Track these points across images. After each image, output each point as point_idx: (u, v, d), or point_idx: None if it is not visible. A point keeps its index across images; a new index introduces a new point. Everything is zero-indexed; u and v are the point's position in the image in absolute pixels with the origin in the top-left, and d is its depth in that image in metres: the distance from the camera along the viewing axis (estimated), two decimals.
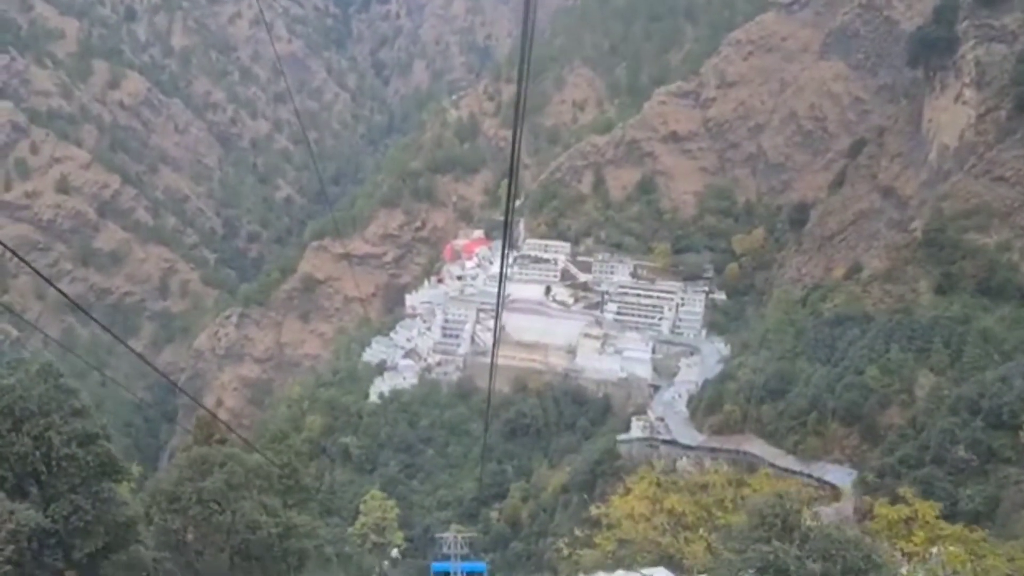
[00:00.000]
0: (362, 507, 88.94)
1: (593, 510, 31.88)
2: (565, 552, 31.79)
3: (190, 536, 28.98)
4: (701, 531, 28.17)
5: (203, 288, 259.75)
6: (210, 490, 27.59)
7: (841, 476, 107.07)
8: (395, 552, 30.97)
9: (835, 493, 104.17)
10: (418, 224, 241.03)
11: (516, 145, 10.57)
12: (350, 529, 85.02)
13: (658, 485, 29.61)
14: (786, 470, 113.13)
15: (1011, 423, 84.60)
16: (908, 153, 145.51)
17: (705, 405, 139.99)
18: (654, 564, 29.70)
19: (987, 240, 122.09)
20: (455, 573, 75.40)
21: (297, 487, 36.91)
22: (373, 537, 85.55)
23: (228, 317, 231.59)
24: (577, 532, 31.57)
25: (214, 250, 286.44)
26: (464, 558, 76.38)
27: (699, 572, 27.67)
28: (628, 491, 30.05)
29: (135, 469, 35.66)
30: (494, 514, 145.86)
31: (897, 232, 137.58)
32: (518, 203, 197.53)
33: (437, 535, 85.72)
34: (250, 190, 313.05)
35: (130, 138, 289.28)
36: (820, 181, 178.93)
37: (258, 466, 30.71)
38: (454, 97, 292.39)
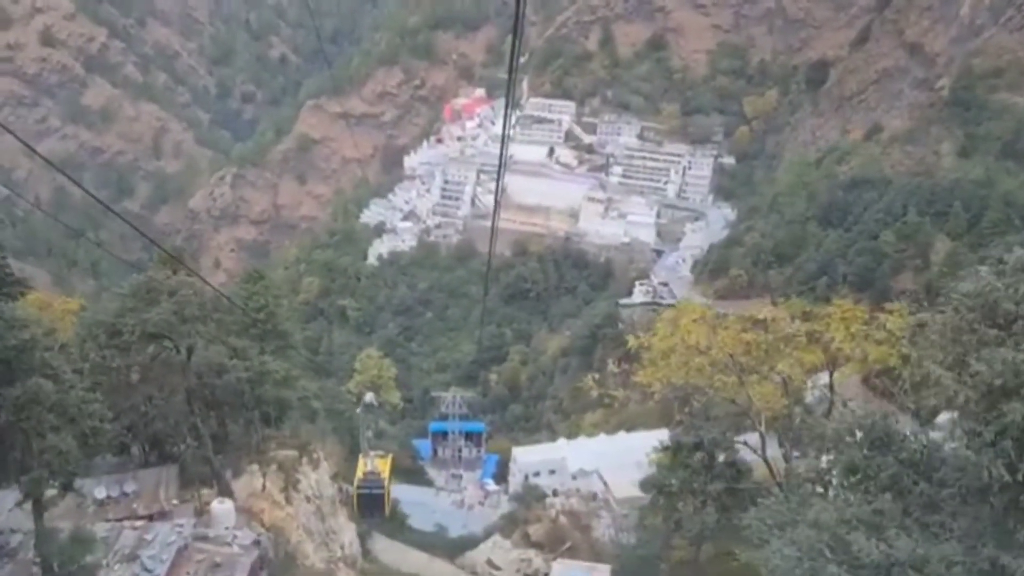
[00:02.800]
0: (357, 365, 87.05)
1: (632, 340, 28.23)
2: (594, 392, 28.70)
3: (135, 376, 25.75)
4: (769, 369, 24.82)
5: (197, 148, 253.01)
6: (156, 322, 23.91)
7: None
8: (369, 397, 27.71)
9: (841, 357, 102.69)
10: (417, 83, 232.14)
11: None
12: (344, 387, 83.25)
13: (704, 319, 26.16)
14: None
15: None
16: (939, 6, 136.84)
17: (710, 270, 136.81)
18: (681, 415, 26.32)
19: (1017, 99, 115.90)
20: (453, 433, 74.31)
21: (275, 332, 33.61)
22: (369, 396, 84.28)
23: (223, 178, 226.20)
24: (612, 367, 28.31)
25: (207, 110, 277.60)
26: (463, 418, 74.95)
27: (770, 416, 24.56)
28: (672, 322, 26.49)
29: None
30: (493, 377, 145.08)
31: (922, 91, 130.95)
32: (522, 60, 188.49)
33: (435, 394, 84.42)
34: (243, 47, 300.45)
35: None
36: (841, 38, 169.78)
37: (218, 299, 27.15)
38: None
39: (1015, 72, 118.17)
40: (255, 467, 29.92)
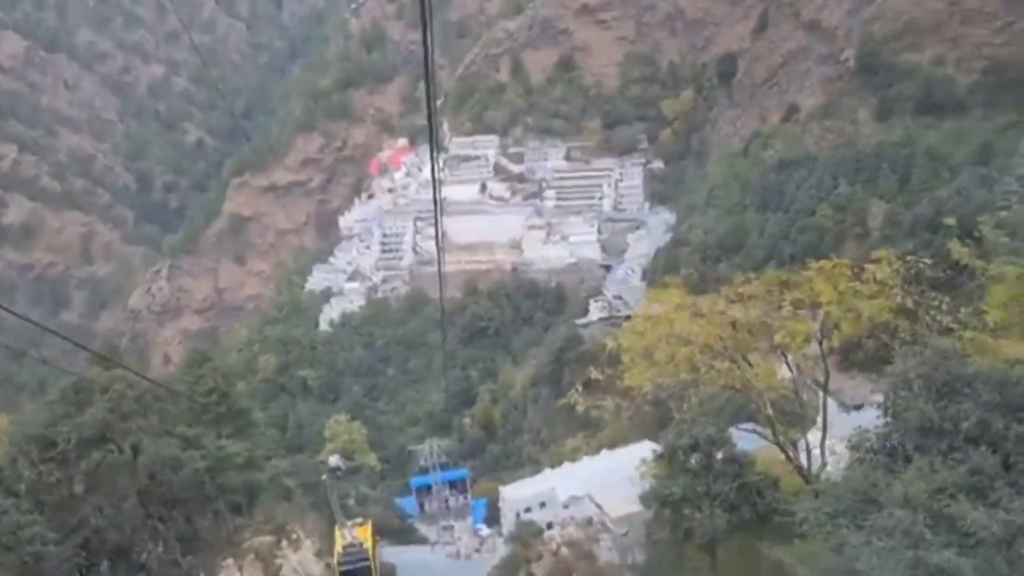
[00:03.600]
0: (327, 433, 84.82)
1: (609, 342, 27.05)
2: (580, 407, 26.95)
3: (79, 488, 23.77)
4: (768, 347, 23.64)
5: (126, 247, 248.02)
6: (91, 424, 22.19)
7: None
8: (333, 460, 25.82)
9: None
10: (339, 144, 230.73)
11: (429, 41, 9.55)
12: (318, 459, 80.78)
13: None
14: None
15: (973, 235, 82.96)
16: None
17: (661, 273, 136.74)
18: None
19: (921, 57, 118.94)
20: (437, 484, 72.28)
21: (231, 413, 31.80)
22: (345, 462, 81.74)
23: (158, 272, 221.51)
24: (595, 373, 26.46)
25: (131, 207, 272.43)
26: (443, 468, 73.01)
27: (771, 393, 23.33)
28: (650, 316, 25.22)
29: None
30: (466, 421, 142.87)
31: (829, 66, 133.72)
32: (438, 103, 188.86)
33: (411, 447, 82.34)
34: (157, 139, 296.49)
35: (17, 103, 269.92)
36: (742, 30, 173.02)
37: (155, 388, 25.38)
38: (354, 6, 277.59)
39: (913, 32, 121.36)
40: (230, 561, 27.99)
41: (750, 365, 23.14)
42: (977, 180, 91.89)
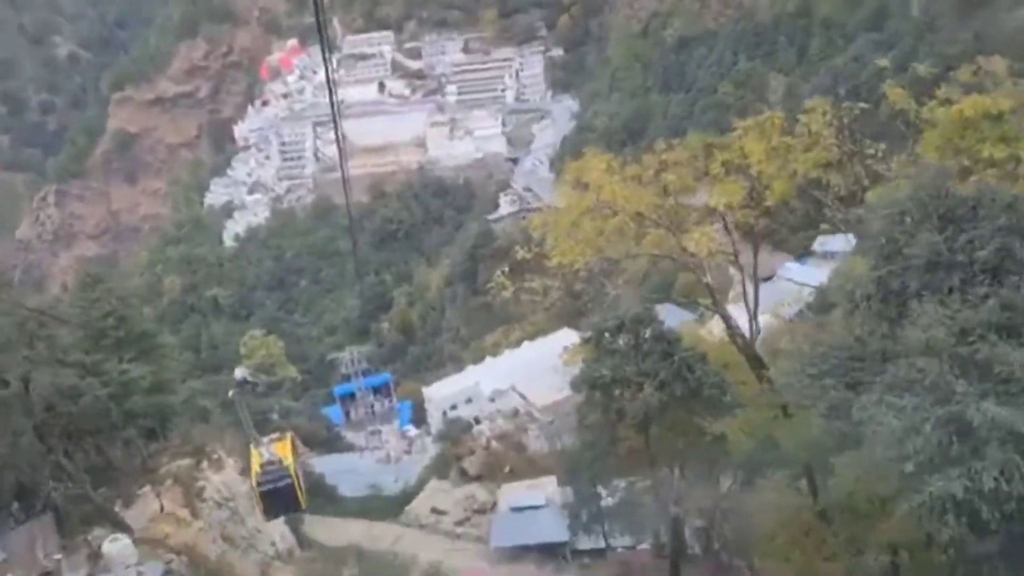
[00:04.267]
0: (242, 350, 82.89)
1: (534, 221, 25.59)
2: (506, 292, 25.21)
3: None
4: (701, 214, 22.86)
5: (6, 174, 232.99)
6: None
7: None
8: (239, 373, 23.11)
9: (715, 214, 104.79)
10: (224, 49, 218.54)
11: None
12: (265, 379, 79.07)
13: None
14: None
15: (870, 99, 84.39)
16: None
17: (568, 162, 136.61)
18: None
19: None
20: (360, 391, 71.78)
21: (132, 337, 29.91)
22: (264, 378, 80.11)
23: (44, 198, 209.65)
24: (521, 253, 24.83)
25: (4, 131, 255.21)
26: (365, 374, 72.38)
27: (710, 259, 22.64)
28: (575, 182, 23.80)
29: None
30: (384, 325, 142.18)
31: None
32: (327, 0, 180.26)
33: (331, 356, 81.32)
34: (26, 55, 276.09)
35: None
36: None
37: (39, 315, 23.49)
38: None
39: None
40: (147, 488, 26.74)
41: (683, 232, 22.44)
42: (872, 46, 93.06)
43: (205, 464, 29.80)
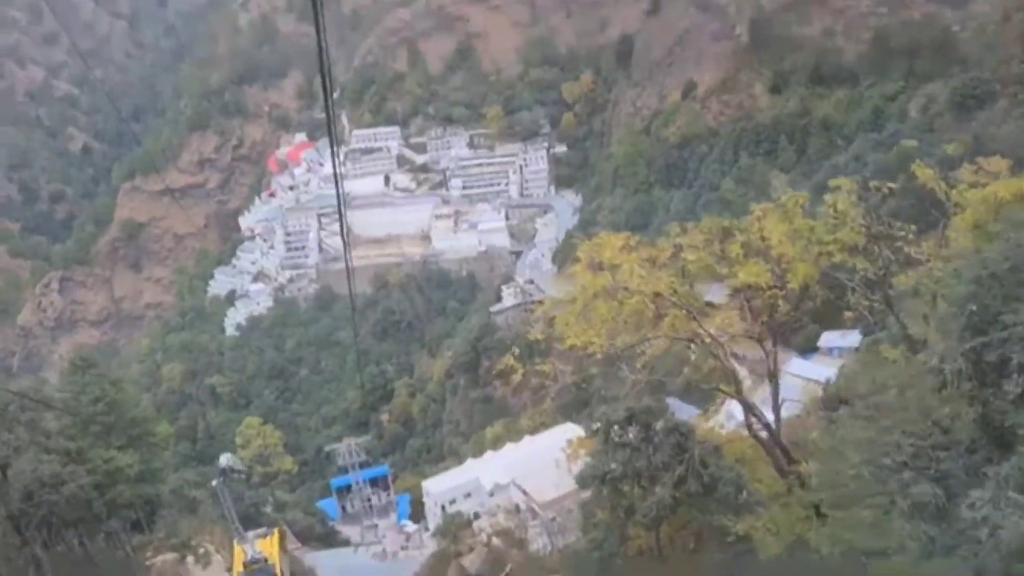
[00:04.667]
0: (238, 439, 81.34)
1: (546, 303, 24.36)
2: (517, 375, 23.79)
3: None
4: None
5: (13, 261, 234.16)
6: None
7: (719, 293, 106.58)
8: (224, 460, 21.51)
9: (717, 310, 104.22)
10: (235, 142, 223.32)
11: (321, 32, 9.32)
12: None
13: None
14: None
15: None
16: None
17: (572, 256, 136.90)
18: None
19: (811, 29, 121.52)
20: (357, 483, 69.93)
21: (122, 422, 28.94)
22: (259, 469, 78.37)
23: (48, 285, 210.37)
24: (533, 333, 23.87)
25: (15, 219, 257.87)
26: (363, 466, 70.72)
27: (733, 344, 21.52)
28: (589, 263, 22.85)
29: None
30: (384, 417, 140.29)
31: (723, 42, 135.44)
32: (335, 96, 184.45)
33: (328, 447, 79.62)
34: (40, 146, 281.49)
35: None
36: (636, 10, 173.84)
37: (22, 399, 22.51)
38: (240, 1, 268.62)
39: (801, 4, 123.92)
40: None
41: (703, 315, 21.56)
42: (871, 145, 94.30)
43: (191, 559, 28.36)
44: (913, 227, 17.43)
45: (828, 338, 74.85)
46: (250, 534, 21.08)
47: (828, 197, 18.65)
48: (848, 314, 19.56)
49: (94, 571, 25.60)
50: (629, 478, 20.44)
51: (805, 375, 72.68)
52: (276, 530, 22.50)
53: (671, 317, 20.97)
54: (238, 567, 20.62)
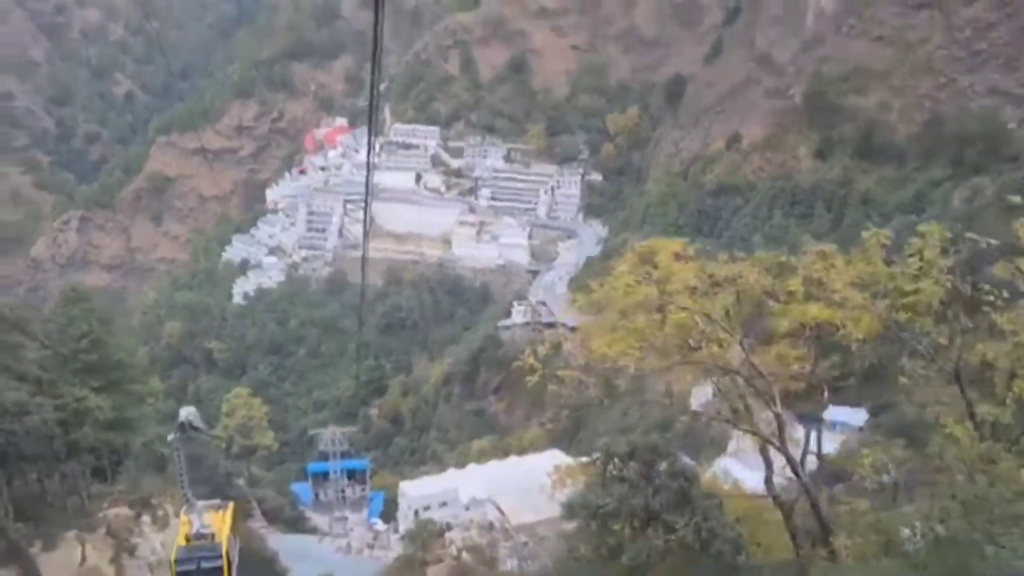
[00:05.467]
0: (224, 407, 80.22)
1: (580, 297, 22.23)
2: (534, 376, 21.42)
3: None
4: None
5: (37, 193, 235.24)
6: None
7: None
8: (184, 413, 19.50)
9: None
10: (275, 115, 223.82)
11: (379, 21, 9.44)
12: (212, 433, 76.10)
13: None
14: None
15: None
16: (784, 18, 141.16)
17: (588, 285, 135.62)
18: None
19: (866, 102, 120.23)
20: (335, 472, 68.50)
21: (105, 364, 27.71)
22: (240, 440, 77.15)
23: (67, 222, 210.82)
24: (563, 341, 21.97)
25: (47, 152, 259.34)
26: (344, 456, 69.30)
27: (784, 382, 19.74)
28: (638, 265, 20.91)
29: None
30: (374, 411, 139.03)
31: (776, 99, 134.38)
32: (383, 87, 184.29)
33: (312, 431, 78.31)
34: (85, 86, 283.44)
35: None
36: (695, 54, 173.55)
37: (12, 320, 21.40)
38: None
39: (861, 76, 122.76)
40: (72, 533, 23.70)
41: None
42: (909, 228, 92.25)
43: (147, 519, 26.97)
44: (1005, 293, 15.70)
45: (834, 412, 73.37)
46: (200, 504, 19.23)
47: (915, 242, 16.98)
48: (904, 380, 17.80)
49: (47, 511, 24.37)
50: (622, 516, 19.04)
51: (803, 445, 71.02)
52: (230, 505, 20.39)
53: (715, 343, 19.27)
54: (180, 538, 18.63)
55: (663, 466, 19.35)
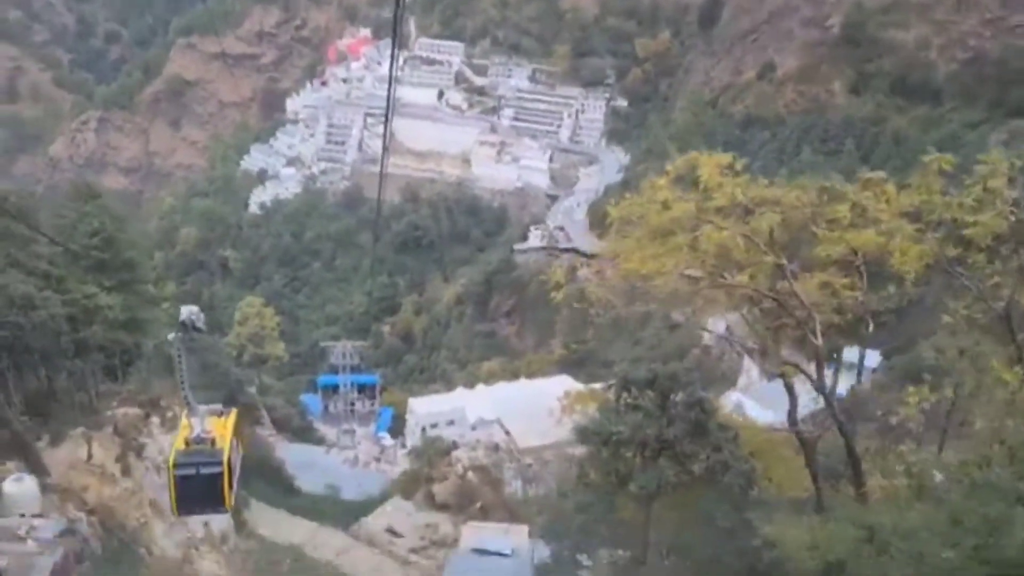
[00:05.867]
0: (237, 315, 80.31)
1: (613, 210, 20.84)
2: (562, 288, 20.57)
3: None
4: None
5: (56, 91, 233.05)
6: None
7: None
8: (186, 312, 18.33)
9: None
10: (298, 22, 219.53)
11: None
12: (225, 340, 76.47)
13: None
14: (691, 277, 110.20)
15: None
16: None
17: (607, 212, 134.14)
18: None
19: (906, 36, 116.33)
20: (344, 386, 68.89)
21: (116, 262, 27.23)
22: (251, 348, 77.41)
23: (86, 122, 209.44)
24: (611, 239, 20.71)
25: (67, 50, 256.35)
26: (354, 370, 69.56)
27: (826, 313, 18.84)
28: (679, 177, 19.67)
29: None
30: (385, 328, 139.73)
31: (813, 30, 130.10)
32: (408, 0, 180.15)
33: (324, 344, 78.61)
34: None
35: None
36: None
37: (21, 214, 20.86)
38: None
39: (903, 10, 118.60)
40: (79, 431, 23.62)
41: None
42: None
43: (156, 419, 26.91)
44: None
45: (846, 352, 72.84)
46: (202, 408, 18.04)
47: (980, 169, 15.86)
48: (947, 320, 16.87)
49: (55, 407, 24.31)
50: (634, 444, 18.63)
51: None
52: (233, 411, 19.41)
53: (755, 269, 18.38)
54: (179, 442, 17.72)
55: (679, 396, 18.83)
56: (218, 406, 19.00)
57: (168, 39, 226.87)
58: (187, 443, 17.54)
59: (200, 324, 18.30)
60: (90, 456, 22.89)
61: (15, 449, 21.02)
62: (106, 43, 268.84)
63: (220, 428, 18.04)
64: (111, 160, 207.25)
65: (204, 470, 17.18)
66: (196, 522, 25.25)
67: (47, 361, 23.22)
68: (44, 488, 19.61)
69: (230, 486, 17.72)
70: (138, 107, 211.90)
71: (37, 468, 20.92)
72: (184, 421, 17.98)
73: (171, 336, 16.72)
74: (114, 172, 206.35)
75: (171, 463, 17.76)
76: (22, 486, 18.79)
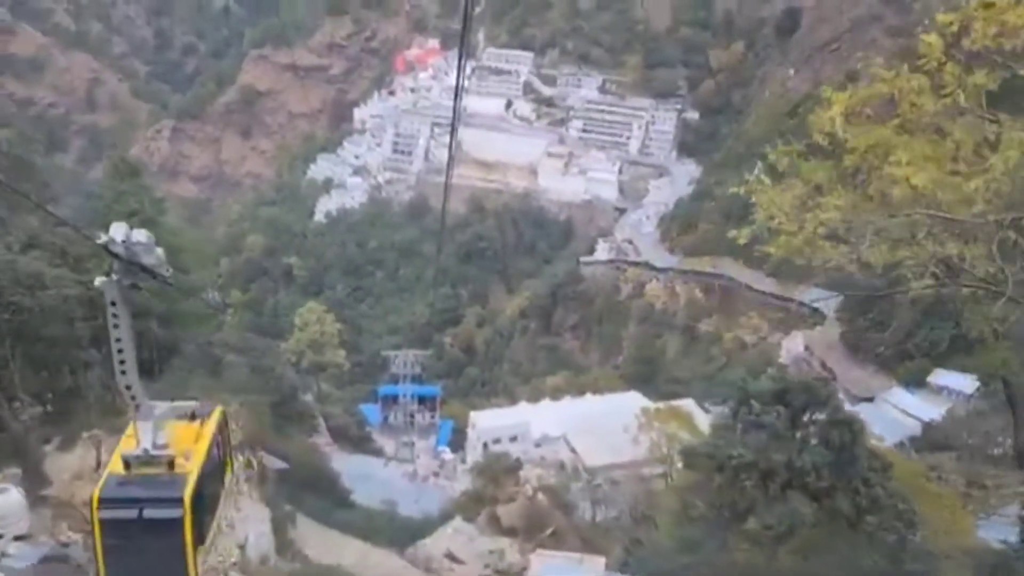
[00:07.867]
0: (296, 320, 78.67)
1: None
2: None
3: None
4: None
5: (133, 101, 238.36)
6: None
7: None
8: (117, 230, 13.14)
9: (817, 318, 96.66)
10: (368, 34, 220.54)
11: None
12: (284, 345, 74.83)
13: None
14: (764, 293, 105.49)
15: None
16: None
17: (677, 226, 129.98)
18: None
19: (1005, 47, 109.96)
20: (405, 396, 66.36)
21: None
22: (311, 355, 75.58)
23: (160, 131, 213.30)
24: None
25: (145, 61, 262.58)
26: (415, 381, 67.03)
27: None
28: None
29: None
30: (447, 340, 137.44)
31: (899, 38, 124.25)
32: (477, 9, 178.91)
33: (385, 353, 76.34)
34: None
35: None
36: None
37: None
38: None
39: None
40: (89, 434, 20.44)
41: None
42: None
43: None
44: None
45: (940, 375, 67.78)
46: (159, 406, 11.33)
47: None
48: None
49: (80, 407, 21.61)
50: (757, 472, 15.05)
51: (905, 408, 65.82)
52: (216, 410, 12.66)
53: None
54: (114, 463, 11.04)
55: (814, 415, 15.15)
56: (189, 403, 12.75)
57: (242, 51, 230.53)
58: (127, 465, 11.00)
59: (151, 258, 10.51)
60: (99, 464, 19.50)
61: (15, 454, 18.07)
62: (183, 55, 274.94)
63: (187, 439, 11.64)
64: (183, 168, 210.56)
65: (151, 512, 10.71)
66: (230, 542, 22.36)
67: (55, 350, 20.15)
68: (37, 502, 16.54)
69: (200, 540, 11.12)
70: (210, 117, 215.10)
71: (34, 477, 17.90)
72: (129, 429, 11.48)
73: (99, 280, 10.29)
74: (185, 180, 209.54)
75: (94, 498, 11.10)
76: (4, 499, 15.53)
